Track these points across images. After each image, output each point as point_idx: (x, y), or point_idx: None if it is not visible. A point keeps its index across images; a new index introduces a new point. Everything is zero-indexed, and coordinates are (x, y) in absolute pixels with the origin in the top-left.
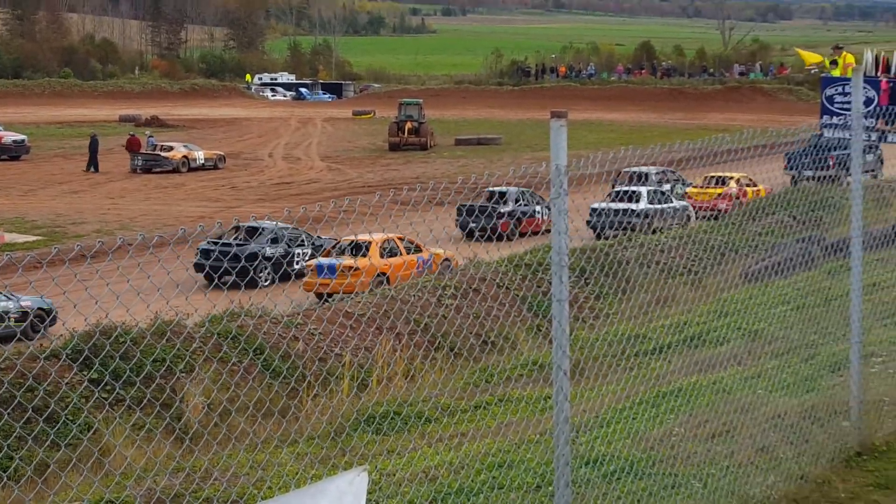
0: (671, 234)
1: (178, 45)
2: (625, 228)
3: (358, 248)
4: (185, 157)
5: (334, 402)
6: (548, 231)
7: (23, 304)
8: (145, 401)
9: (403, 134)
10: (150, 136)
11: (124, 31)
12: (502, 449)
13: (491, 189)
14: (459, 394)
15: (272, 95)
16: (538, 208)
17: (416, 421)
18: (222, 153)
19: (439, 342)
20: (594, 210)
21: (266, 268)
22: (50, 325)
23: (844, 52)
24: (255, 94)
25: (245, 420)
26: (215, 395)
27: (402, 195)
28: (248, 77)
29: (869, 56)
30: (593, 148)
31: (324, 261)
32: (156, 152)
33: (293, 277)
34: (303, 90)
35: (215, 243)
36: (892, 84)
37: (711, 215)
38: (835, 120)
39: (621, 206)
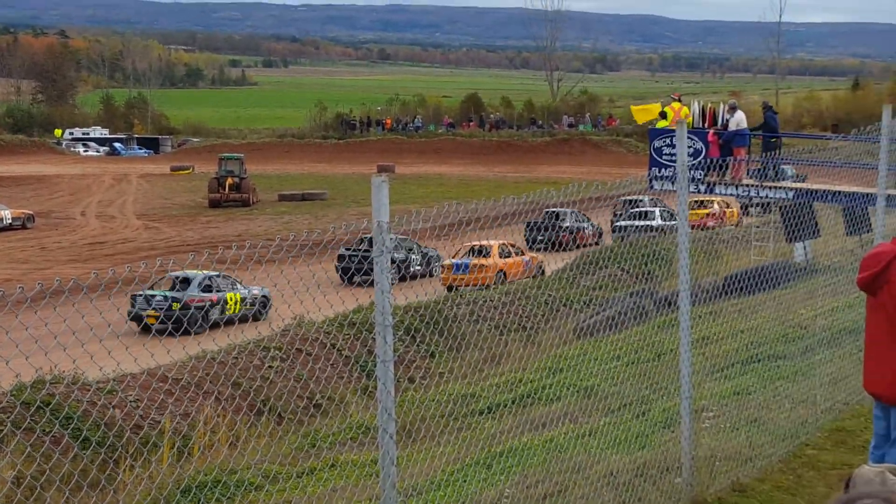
0: (502, 290)
1: None
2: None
3: (482, 251)
4: None
5: (148, 472)
6: (589, 244)
7: (253, 292)
8: None
9: (224, 190)
10: None
11: None
12: None
13: (548, 210)
14: (282, 460)
15: (84, 151)
16: (585, 225)
17: (237, 490)
18: (31, 212)
19: (262, 406)
20: (617, 227)
21: (392, 270)
22: (269, 310)
23: (673, 104)
24: (66, 149)
25: (53, 495)
26: (21, 469)
27: (217, 254)
28: (57, 132)
29: (696, 107)
30: (421, 202)
31: (457, 261)
32: None
33: (408, 278)
34: (117, 145)
35: (348, 249)
36: (719, 136)
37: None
38: (663, 172)
39: (641, 223)
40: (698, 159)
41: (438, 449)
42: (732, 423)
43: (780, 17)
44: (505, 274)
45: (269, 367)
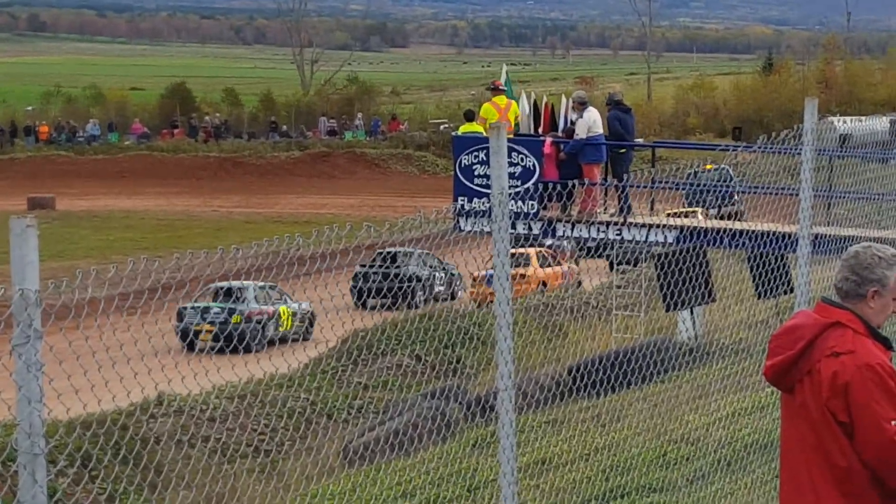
0: (226, 393)
1: None
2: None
3: (520, 260)
4: None
5: None
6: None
7: (303, 307)
8: None
9: None
10: None
11: None
12: None
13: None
14: None
15: None
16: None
17: None
18: None
19: None
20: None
21: (420, 288)
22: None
23: (495, 97)
24: None
25: None
26: None
27: None
28: None
29: (525, 103)
30: (97, 256)
31: (491, 272)
32: None
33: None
34: None
35: (363, 266)
36: (559, 145)
37: None
38: (476, 203)
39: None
40: (529, 183)
41: None
42: None
43: None
44: (545, 285)
45: None
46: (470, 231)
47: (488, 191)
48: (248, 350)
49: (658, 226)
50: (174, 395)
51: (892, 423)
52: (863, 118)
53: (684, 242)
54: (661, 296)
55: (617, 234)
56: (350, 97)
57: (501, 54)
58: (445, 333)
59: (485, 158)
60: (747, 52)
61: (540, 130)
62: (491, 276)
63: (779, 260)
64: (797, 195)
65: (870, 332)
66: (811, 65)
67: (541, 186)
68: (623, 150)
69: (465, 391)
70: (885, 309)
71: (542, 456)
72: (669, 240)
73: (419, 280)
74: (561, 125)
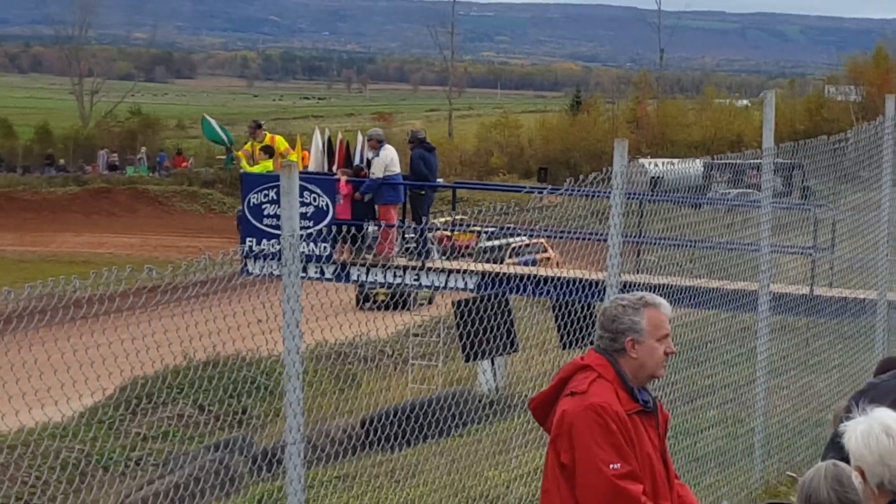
0: None
1: None
2: None
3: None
4: None
5: None
6: None
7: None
8: None
9: None
10: None
11: None
12: None
13: None
14: None
15: None
16: None
17: None
18: None
19: None
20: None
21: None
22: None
23: (270, 135)
24: None
25: None
26: None
27: None
28: None
29: (318, 139)
30: None
31: (520, 259)
32: None
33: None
34: None
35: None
36: (356, 184)
37: None
38: (265, 245)
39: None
40: (322, 225)
41: None
42: None
43: None
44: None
45: None
46: (258, 275)
47: (278, 232)
48: (406, 308)
49: (458, 271)
50: None
51: (612, 466)
52: (675, 161)
53: (486, 289)
54: (461, 345)
55: (414, 280)
56: (132, 130)
57: (294, 87)
58: (231, 382)
59: (275, 197)
60: (554, 90)
61: (334, 169)
62: (521, 262)
63: (586, 309)
64: (605, 241)
65: (622, 382)
66: (621, 104)
67: (334, 228)
68: (423, 192)
69: (251, 443)
70: (652, 354)
71: None
72: (470, 286)
73: None
74: (356, 160)
